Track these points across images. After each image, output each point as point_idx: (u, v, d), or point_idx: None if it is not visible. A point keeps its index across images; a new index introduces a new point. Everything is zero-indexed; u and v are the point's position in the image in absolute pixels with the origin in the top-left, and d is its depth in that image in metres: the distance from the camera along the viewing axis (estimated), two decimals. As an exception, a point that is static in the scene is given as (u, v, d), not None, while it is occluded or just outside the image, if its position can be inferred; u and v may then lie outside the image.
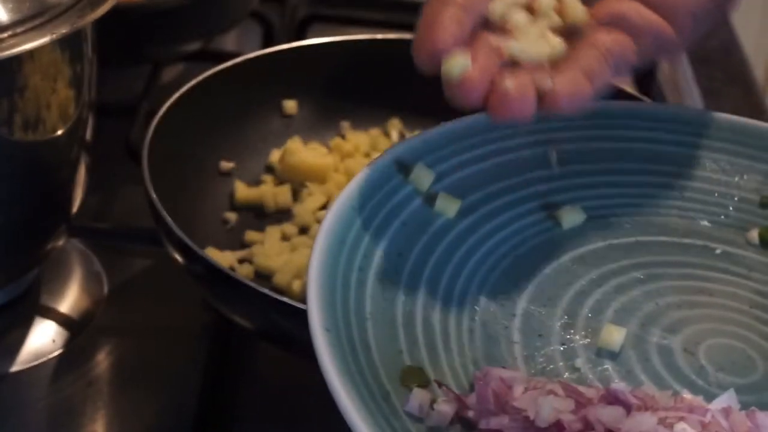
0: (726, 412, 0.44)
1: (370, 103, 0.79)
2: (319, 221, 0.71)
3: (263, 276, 0.67)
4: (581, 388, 0.45)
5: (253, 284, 0.57)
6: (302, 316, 0.56)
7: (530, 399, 0.44)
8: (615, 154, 0.59)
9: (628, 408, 0.43)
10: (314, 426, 0.63)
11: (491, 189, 0.56)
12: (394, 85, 0.79)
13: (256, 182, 0.75)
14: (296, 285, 0.65)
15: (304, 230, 0.71)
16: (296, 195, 0.73)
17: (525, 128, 0.56)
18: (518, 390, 0.44)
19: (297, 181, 0.74)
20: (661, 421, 0.42)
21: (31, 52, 0.55)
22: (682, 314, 0.53)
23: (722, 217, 0.58)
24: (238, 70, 0.76)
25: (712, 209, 0.58)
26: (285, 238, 0.70)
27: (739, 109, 0.95)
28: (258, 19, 0.97)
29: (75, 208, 0.66)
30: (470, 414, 0.45)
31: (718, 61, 1.02)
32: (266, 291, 0.56)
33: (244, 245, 0.70)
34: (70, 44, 0.59)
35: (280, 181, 0.75)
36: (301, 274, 0.66)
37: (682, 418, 0.42)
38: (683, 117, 0.61)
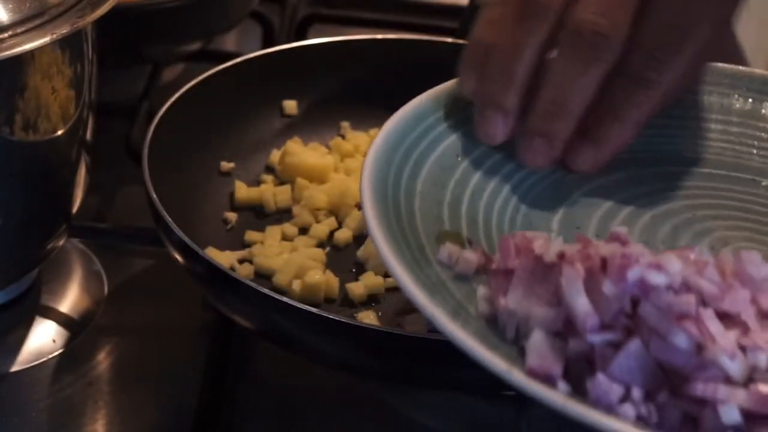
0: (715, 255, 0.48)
1: (370, 103, 0.79)
2: (319, 221, 0.71)
3: (263, 276, 0.67)
4: (593, 241, 0.48)
5: (253, 284, 0.57)
6: (302, 316, 0.56)
7: (548, 248, 0.47)
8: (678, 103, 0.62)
9: (625, 244, 0.46)
10: (314, 426, 0.63)
11: None
12: (394, 85, 0.79)
13: (256, 182, 0.75)
14: (296, 285, 0.65)
15: (304, 230, 0.71)
16: (296, 195, 0.73)
17: None
18: (538, 243, 0.48)
19: (297, 181, 0.74)
20: (651, 253, 0.45)
21: (31, 53, 0.55)
22: (716, 223, 0.56)
23: None
24: (238, 70, 0.76)
25: (765, 148, 0.62)
26: (285, 238, 0.70)
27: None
28: (258, 19, 0.97)
29: (75, 208, 0.66)
30: (493, 266, 0.49)
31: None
32: (266, 291, 0.56)
33: (244, 245, 0.70)
34: (70, 44, 0.59)
35: (280, 181, 0.75)
36: (301, 274, 0.66)
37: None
38: (738, 74, 0.64)
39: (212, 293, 0.62)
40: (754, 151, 0.61)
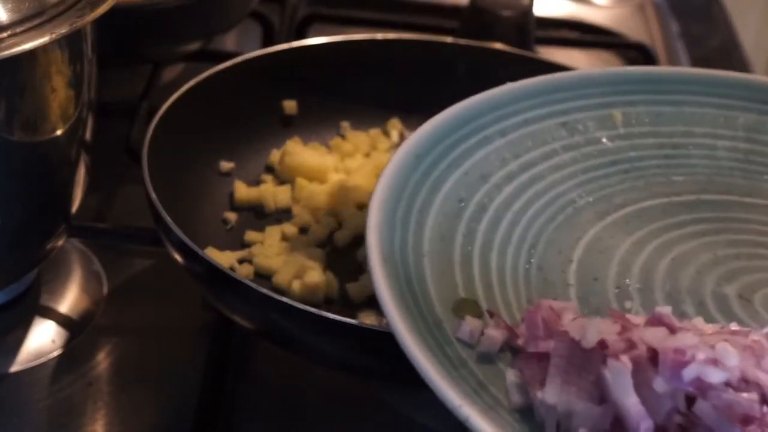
0: None
1: (370, 103, 0.79)
2: (319, 221, 0.71)
3: (263, 276, 0.67)
4: (629, 316, 0.45)
5: (253, 284, 0.57)
6: (302, 316, 0.56)
7: (578, 324, 0.44)
8: (679, 117, 0.59)
9: (672, 330, 0.43)
10: (314, 426, 0.63)
11: (554, 146, 0.57)
12: (394, 85, 0.79)
13: (256, 182, 0.75)
14: (296, 285, 0.65)
15: (304, 230, 0.71)
16: (296, 195, 0.73)
17: (590, 91, 0.58)
18: (567, 317, 0.45)
19: (297, 181, 0.74)
20: (703, 342, 0.42)
21: (30, 52, 0.55)
22: (740, 264, 0.53)
23: None
24: (238, 70, 0.76)
25: None
26: (285, 238, 0.70)
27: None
28: (258, 19, 0.96)
29: (75, 208, 0.66)
30: (519, 342, 0.46)
31: (718, 61, 1.02)
32: (266, 291, 0.56)
33: (244, 245, 0.70)
34: (69, 44, 0.59)
35: (280, 181, 0.75)
36: (301, 274, 0.66)
37: (725, 340, 0.42)
38: (751, 84, 0.61)
39: (212, 293, 0.62)
40: (765, 169, 0.59)
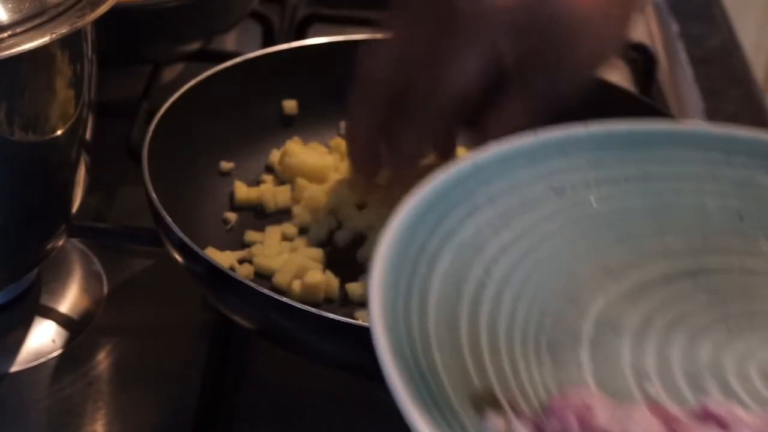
0: None
1: (370, 103, 0.79)
2: (318, 221, 0.71)
3: (263, 276, 0.67)
4: (666, 407, 0.44)
5: (253, 284, 0.57)
6: (302, 316, 0.56)
7: (617, 421, 0.42)
8: (667, 176, 0.57)
9: (724, 426, 0.42)
10: (314, 426, 0.63)
11: (544, 211, 0.55)
12: (394, 85, 0.79)
13: (256, 182, 0.75)
14: (296, 285, 0.65)
15: (304, 230, 0.71)
16: (296, 195, 0.73)
17: (576, 152, 0.56)
18: (602, 413, 0.43)
19: (297, 181, 0.74)
20: None
21: (31, 52, 0.55)
22: (755, 337, 0.51)
23: None
24: (238, 70, 0.76)
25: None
26: (285, 238, 0.70)
27: (739, 109, 0.95)
28: (258, 19, 0.96)
29: (75, 208, 0.66)
30: None
31: (718, 61, 1.02)
32: (266, 291, 0.56)
33: (244, 245, 0.70)
34: (70, 44, 0.59)
35: (280, 181, 0.75)
36: (301, 274, 0.66)
37: None
38: (738, 138, 0.58)
39: (212, 293, 0.62)
40: (760, 227, 0.56)
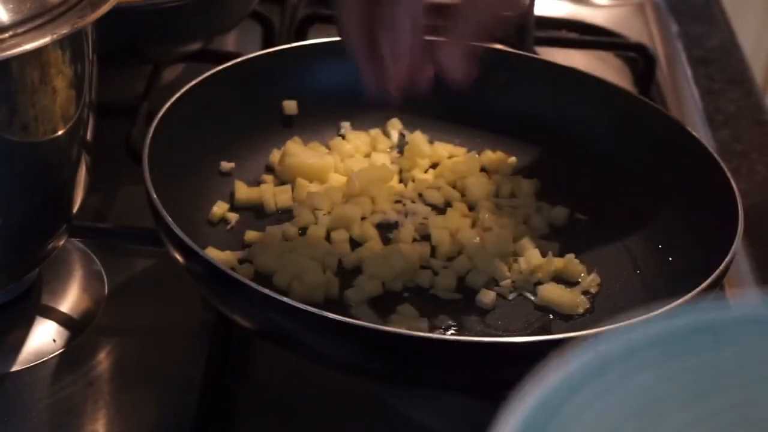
0: None
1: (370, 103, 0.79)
2: (318, 221, 0.71)
3: (263, 276, 0.67)
4: None
5: (253, 284, 0.57)
6: (302, 316, 0.56)
7: None
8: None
9: None
10: (314, 426, 0.63)
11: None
12: (394, 85, 0.79)
13: (256, 182, 0.75)
14: (296, 285, 0.65)
15: (304, 230, 0.71)
16: (296, 195, 0.73)
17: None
18: None
19: (297, 181, 0.74)
20: None
21: (32, 53, 0.55)
22: None
23: None
24: (238, 70, 0.76)
25: None
26: (285, 238, 0.70)
27: (738, 109, 0.95)
28: (258, 19, 0.97)
29: (75, 208, 0.66)
30: None
31: (718, 61, 1.03)
32: (266, 291, 0.56)
33: (244, 245, 0.70)
34: (70, 44, 0.59)
35: (280, 181, 0.75)
36: (301, 274, 0.66)
37: None
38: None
39: (212, 293, 0.62)
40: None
